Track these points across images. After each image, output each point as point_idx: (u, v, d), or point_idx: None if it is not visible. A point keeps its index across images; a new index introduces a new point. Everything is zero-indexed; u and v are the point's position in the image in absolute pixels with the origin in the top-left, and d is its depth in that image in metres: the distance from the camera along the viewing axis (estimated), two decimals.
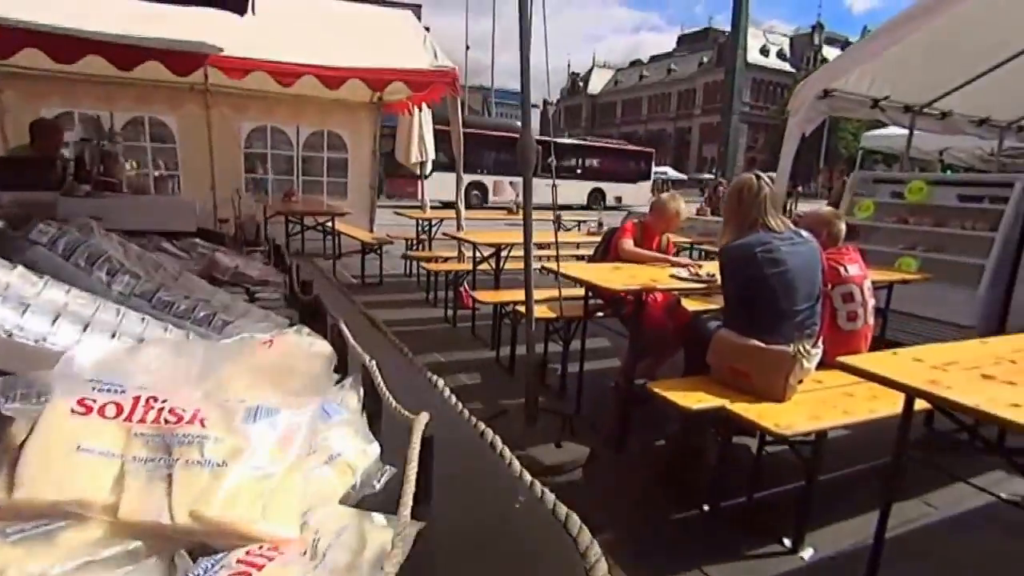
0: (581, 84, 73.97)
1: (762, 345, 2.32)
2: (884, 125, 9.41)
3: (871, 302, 2.80)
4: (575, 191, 22.61)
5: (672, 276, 2.99)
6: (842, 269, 2.76)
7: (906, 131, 8.36)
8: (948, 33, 5.47)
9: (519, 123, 3.10)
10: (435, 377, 1.09)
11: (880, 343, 3.64)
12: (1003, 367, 1.71)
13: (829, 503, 2.41)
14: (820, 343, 2.48)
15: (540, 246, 4.69)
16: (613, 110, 70.21)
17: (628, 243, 3.64)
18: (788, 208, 8.95)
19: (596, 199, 24.31)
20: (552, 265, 3.22)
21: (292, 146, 8.43)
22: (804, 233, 2.47)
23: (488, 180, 20.56)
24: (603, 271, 3.17)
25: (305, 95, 6.80)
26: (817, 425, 2.11)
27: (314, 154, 8.76)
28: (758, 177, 2.51)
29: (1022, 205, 4.56)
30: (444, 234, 6.23)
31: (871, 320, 2.81)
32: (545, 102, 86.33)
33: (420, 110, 7.24)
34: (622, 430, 2.92)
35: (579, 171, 23.97)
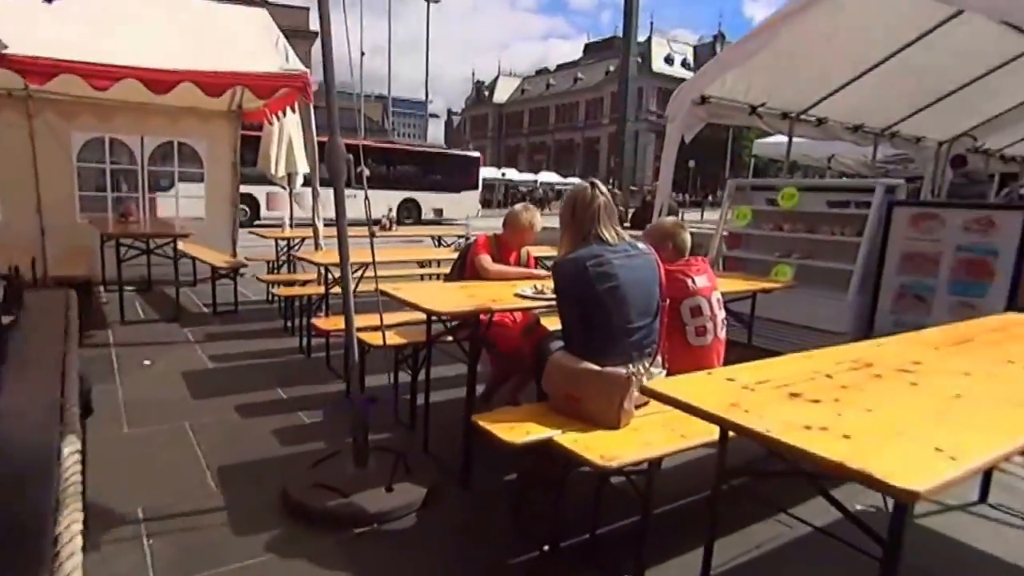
0: (486, 93, 74.89)
1: (595, 368, 2.24)
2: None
3: (720, 315, 2.81)
4: (381, 203, 19.93)
5: (517, 295, 2.88)
6: (689, 281, 2.76)
7: (798, 138, 8.92)
8: (815, 42, 5.86)
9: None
10: None
11: (748, 352, 3.75)
12: (816, 383, 1.69)
13: (675, 536, 2.35)
14: (662, 361, 2.44)
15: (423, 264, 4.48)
16: (520, 119, 71.47)
17: (486, 259, 3.53)
18: (680, 215, 9.25)
19: (409, 212, 21.93)
20: (396, 286, 3.04)
21: (135, 159, 7.79)
22: (640, 245, 2.43)
23: (260, 191, 16.48)
24: (437, 291, 3.03)
25: (150, 102, 6.29)
26: (648, 453, 2.03)
27: (164, 168, 8.16)
28: (593, 186, 2.45)
29: (883, 210, 4.87)
30: (295, 256, 5.92)
31: (722, 334, 2.81)
32: (450, 112, 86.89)
33: (282, 118, 6.88)
34: (467, 464, 2.76)
35: (387, 180, 20.58)
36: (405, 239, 10.88)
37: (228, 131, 7.90)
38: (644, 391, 1.61)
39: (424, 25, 30.46)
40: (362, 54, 35.55)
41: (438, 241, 7.97)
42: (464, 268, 3.63)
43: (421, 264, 7.05)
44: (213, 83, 4.81)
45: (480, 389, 3.53)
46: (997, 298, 4.40)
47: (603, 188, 2.45)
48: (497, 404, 3.33)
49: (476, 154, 27.03)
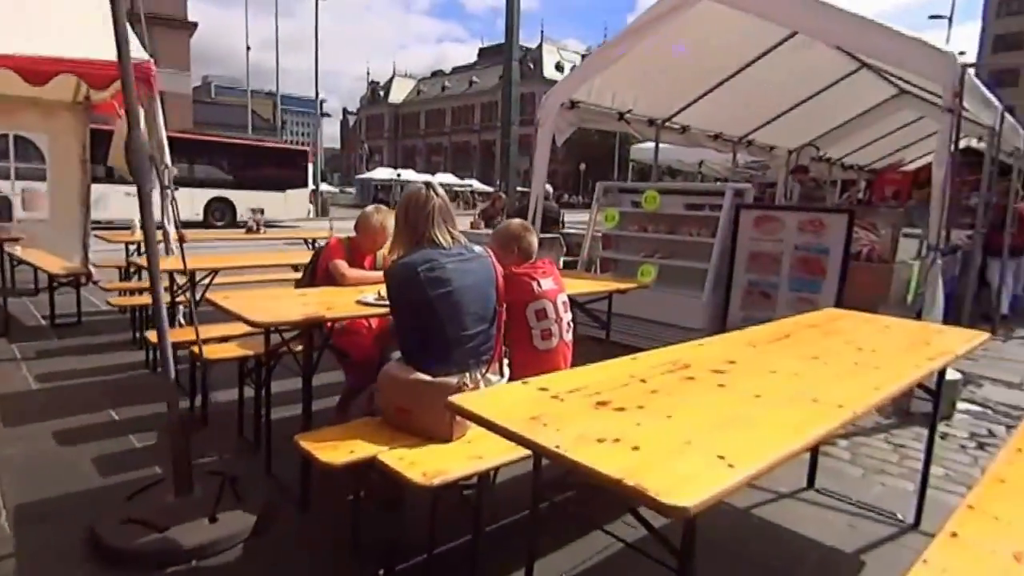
0: (382, 93, 73.36)
1: (425, 378, 2.11)
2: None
3: (567, 317, 2.77)
4: (183, 203, 17.14)
5: (358, 302, 2.70)
6: (535, 284, 2.69)
7: (666, 144, 9.27)
8: (671, 54, 6.08)
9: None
10: None
11: (605, 348, 3.78)
12: (629, 389, 1.65)
13: (510, 552, 2.24)
14: (502, 368, 2.35)
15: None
16: (416, 120, 70.67)
17: (342, 264, 3.30)
18: (562, 221, 9.38)
19: (222, 213, 19.12)
20: (226, 295, 2.76)
21: None
22: (476, 248, 2.32)
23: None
24: (272, 299, 2.79)
25: None
26: (479, 467, 1.93)
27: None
28: (428, 187, 2.31)
29: (731, 212, 5.10)
30: (131, 262, 5.40)
31: (568, 336, 2.78)
32: (345, 111, 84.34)
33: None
34: (306, 485, 2.55)
35: (192, 176, 17.98)
36: (279, 242, 10.27)
37: (74, 124, 7.09)
38: (449, 407, 1.49)
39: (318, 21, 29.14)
40: (248, 48, 33.74)
41: (312, 244, 7.57)
42: (315, 274, 3.40)
43: (296, 268, 6.65)
44: (32, 69, 4.24)
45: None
46: (829, 293, 4.73)
47: (439, 190, 2.32)
48: (355, 415, 3.12)
49: (304, 148, 24.07)
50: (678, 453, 1.25)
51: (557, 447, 1.23)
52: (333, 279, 3.22)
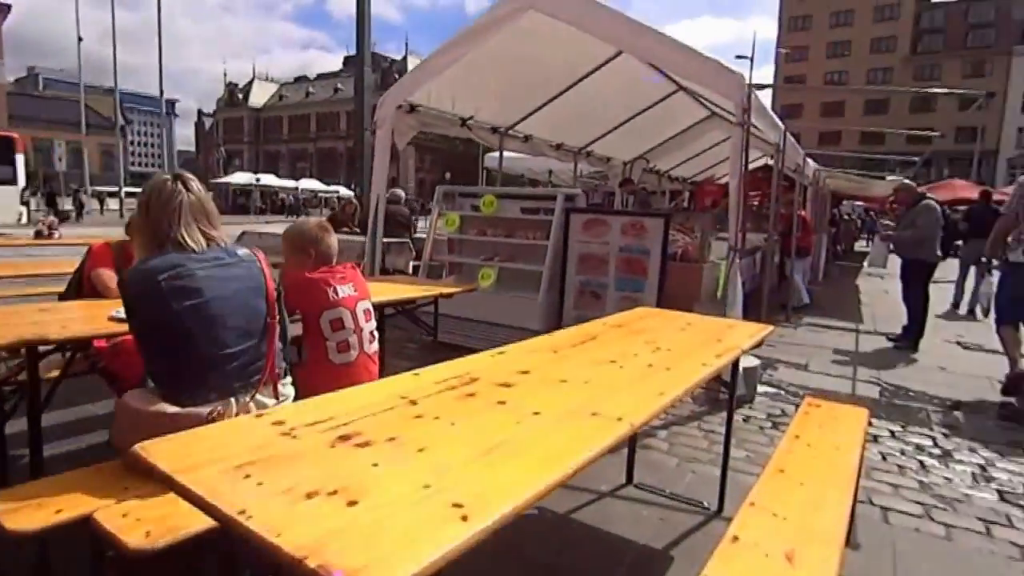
0: (240, 96, 68.07)
1: (169, 410, 1.66)
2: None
3: (368, 327, 2.42)
4: None
5: (111, 318, 2.16)
6: (331, 291, 2.31)
7: (519, 154, 9.16)
8: (508, 63, 5.93)
9: None
10: None
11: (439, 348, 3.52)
12: (391, 414, 1.33)
13: None
14: (278, 390, 1.95)
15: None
16: (279, 125, 66.44)
17: (105, 274, 2.70)
18: (414, 226, 9.00)
19: None
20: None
21: None
22: (240, 251, 1.89)
23: None
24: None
25: None
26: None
27: None
28: (177, 178, 1.85)
29: (563, 216, 5.03)
30: None
31: (371, 347, 2.42)
32: (200, 113, 77.16)
33: None
34: (43, 553, 1.96)
35: None
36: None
37: None
38: (133, 457, 1.09)
39: (169, 16, 26.12)
40: (80, 39, 29.46)
41: None
42: (81, 284, 2.75)
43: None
44: None
45: None
46: (651, 292, 4.80)
47: (194, 184, 1.87)
48: None
49: (9, 134, 17.88)
50: (409, 504, 0.94)
51: (242, 512, 0.87)
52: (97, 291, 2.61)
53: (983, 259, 5.88)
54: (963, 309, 9.15)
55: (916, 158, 14.48)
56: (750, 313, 5.23)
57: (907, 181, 6.58)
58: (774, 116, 5.60)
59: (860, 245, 24.75)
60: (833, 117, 54.43)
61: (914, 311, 6.43)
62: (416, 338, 5.38)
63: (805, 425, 2.46)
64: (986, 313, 5.58)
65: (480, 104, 6.76)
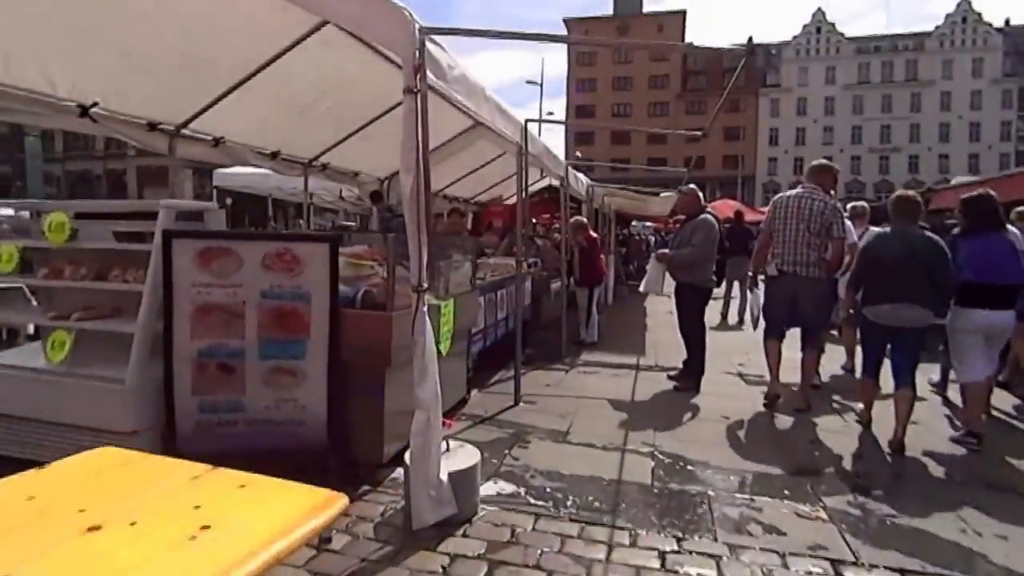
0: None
1: None
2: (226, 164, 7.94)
3: None
4: None
5: None
6: None
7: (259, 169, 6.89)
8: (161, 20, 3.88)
9: None
10: None
11: None
12: None
13: None
14: None
15: None
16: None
17: None
18: None
19: None
20: None
21: None
22: None
23: None
24: None
25: None
26: None
27: None
28: None
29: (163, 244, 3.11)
30: None
31: None
32: None
33: None
34: None
35: None
36: None
37: None
38: None
39: None
40: None
41: None
42: None
43: None
44: None
45: None
46: (316, 359, 3.08)
47: None
48: None
49: None
50: None
51: None
52: None
53: (749, 274, 5.51)
54: (732, 319, 9.74)
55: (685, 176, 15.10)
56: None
57: (692, 186, 5.75)
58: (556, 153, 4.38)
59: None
60: (622, 145, 59.45)
61: (692, 344, 5.59)
62: None
63: None
64: (755, 324, 5.21)
65: (118, 83, 4.49)
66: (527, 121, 4.82)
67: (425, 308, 2.70)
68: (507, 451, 3.82)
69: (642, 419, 4.57)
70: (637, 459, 3.79)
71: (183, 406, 3.04)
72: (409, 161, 2.64)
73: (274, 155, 6.81)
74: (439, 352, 3.94)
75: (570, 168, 7.62)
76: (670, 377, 5.81)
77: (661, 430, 4.34)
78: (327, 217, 20.21)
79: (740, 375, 6.14)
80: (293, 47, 4.45)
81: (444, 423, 3.09)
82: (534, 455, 3.79)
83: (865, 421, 4.49)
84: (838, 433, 4.37)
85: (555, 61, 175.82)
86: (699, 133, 5.23)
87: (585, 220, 8.11)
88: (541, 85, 30.47)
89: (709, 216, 5.57)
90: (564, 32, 65.68)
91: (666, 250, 5.86)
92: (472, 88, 3.54)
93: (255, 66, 4.80)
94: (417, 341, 2.69)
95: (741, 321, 9.41)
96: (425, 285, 2.68)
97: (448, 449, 3.02)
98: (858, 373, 4.94)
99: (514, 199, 12.94)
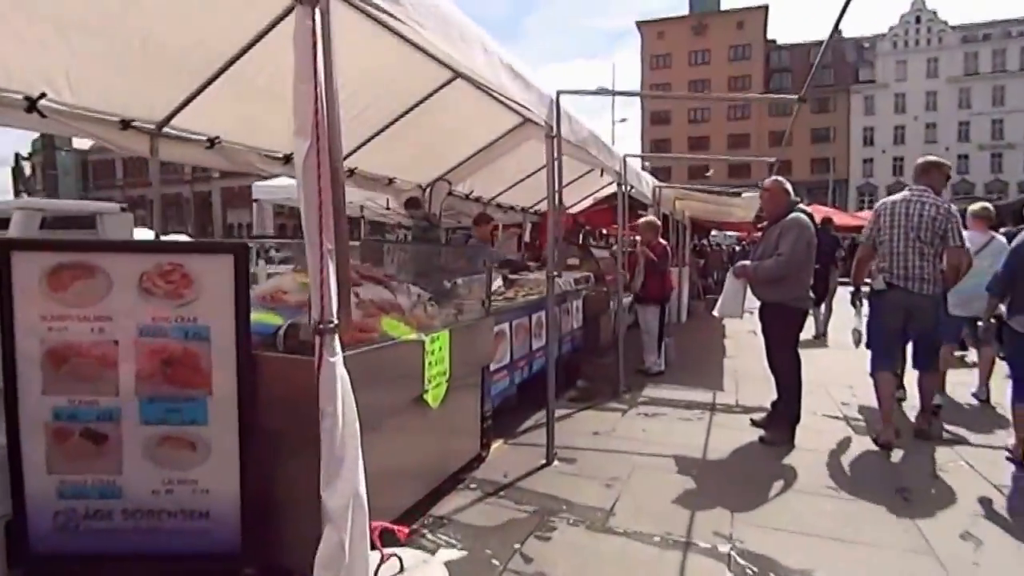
0: (60, 139, 60.03)
1: None
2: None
3: None
4: None
5: None
6: None
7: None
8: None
9: None
10: None
11: None
12: None
13: None
14: None
15: None
16: (111, 169, 59.00)
17: None
18: None
19: None
20: None
21: None
22: None
23: None
24: None
25: None
26: None
27: None
28: None
29: None
30: None
31: None
32: (18, 156, 67.29)
33: None
34: None
35: None
36: None
37: None
38: None
39: None
40: None
41: None
42: None
43: None
44: None
45: None
46: (225, 421, 2.11)
47: None
48: None
49: None
50: None
51: None
52: None
53: (852, 291, 4.63)
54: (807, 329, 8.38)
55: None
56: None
57: (778, 178, 4.44)
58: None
59: None
60: (699, 151, 56.77)
61: (784, 384, 4.27)
62: None
63: None
64: (857, 343, 4.45)
65: (63, 66, 3.78)
66: (559, 93, 3.73)
67: (334, 359, 1.66)
68: (518, 546, 2.71)
69: (717, 491, 3.34)
70: (706, 565, 2.58)
71: (36, 488, 2.14)
72: (305, 118, 1.62)
73: (287, 159, 5.97)
74: (426, 403, 2.91)
75: (629, 163, 6.40)
76: (754, 423, 4.50)
77: (742, 510, 3.10)
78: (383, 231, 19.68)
79: (846, 419, 4.74)
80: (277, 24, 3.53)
81: (396, 531, 2.04)
82: (556, 556, 2.66)
83: (1019, 457, 3.72)
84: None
85: (628, 62, 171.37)
86: (795, 97, 3.97)
87: (658, 221, 6.86)
88: (613, 95, 29.01)
89: (801, 215, 4.24)
90: (637, 36, 64.20)
91: (746, 262, 4.57)
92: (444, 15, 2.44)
93: (237, 50, 3.94)
94: (325, 413, 1.65)
95: (823, 335, 8.71)
96: (334, 321, 1.64)
97: (402, 570, 1.97)
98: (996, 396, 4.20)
99: (579, 206, 11.79)
